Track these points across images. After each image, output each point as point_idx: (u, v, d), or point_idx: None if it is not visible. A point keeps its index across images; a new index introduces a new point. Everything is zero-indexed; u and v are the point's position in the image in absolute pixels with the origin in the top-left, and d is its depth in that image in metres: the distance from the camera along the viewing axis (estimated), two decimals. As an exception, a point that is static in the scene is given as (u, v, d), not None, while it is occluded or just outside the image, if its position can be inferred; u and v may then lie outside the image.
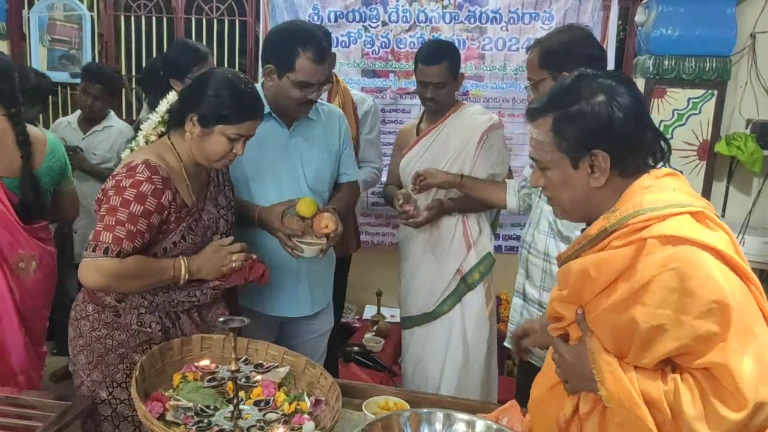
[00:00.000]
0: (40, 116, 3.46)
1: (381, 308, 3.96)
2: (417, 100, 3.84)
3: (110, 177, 1.76)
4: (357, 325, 3.97)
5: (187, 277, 1.78)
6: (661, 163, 1.33)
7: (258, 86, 2.21)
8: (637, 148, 1.28)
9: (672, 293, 1.14)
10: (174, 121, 1.83)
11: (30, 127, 2.39)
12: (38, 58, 4.06)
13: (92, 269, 1.68)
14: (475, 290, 2.60)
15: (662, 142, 1.31)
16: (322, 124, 2.29)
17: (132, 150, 1.86)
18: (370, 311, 4.04)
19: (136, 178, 1.69)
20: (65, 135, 3.33)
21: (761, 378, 1.12)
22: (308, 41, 2.06)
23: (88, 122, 3.46)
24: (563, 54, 1.96)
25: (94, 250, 1.67)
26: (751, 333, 1.15)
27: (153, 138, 1.86)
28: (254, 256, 1.90)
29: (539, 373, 1.49)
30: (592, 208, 1.31)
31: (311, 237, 2.06)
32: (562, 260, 1.35)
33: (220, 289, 1.90)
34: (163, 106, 1.86)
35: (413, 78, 3.85)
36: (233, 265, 1.83)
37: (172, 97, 1.87)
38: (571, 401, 1.32)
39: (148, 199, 1.69)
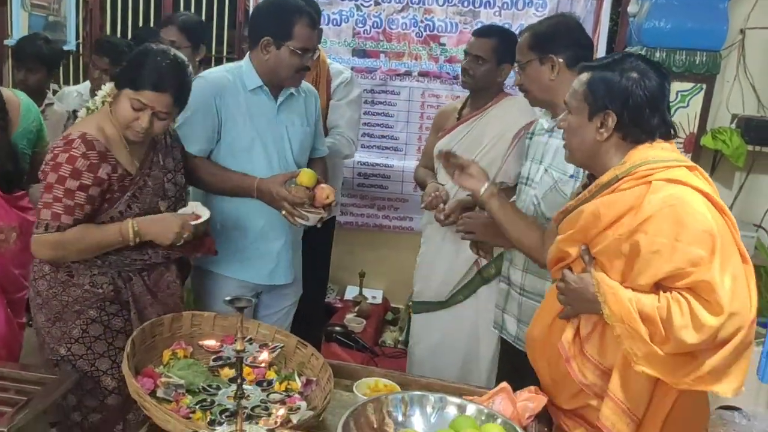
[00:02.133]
0: (50, 84, 3.33)
1: (363, 289, 3.96)
2: (407, 82, 3.85)
3: (50, 149, 1.82)
4: (339, 305, 3.97)
5: (137, 239, 1.84)
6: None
7: (245, 61, 2.20)
8: (641, 124, 1.53)
9: (670, 224, 1.40)
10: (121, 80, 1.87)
11: (2, 90, 2.33)
12: (20, 25, 3.95)
13: (39, 244, 1.81)
14: (490, 284, 2.55)
15: (669, 129, 1.57)
16: (302, 99, 2.36)
17: (88, 110, 1.91)
18: (352, 292, 4.04)
19: (71, 153, 1.76)
20: (77, 107, 3.23)
21: (734, 294, 1.39)
22: (302, 9, 2.15)
23: None
24: (552, 38, 2.01)
25: (37, 227, 1.79)
26: (729, 258, 1.42)
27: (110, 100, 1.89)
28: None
29: (534, 317, 1.74)
30: (591, 158, 1.59)
31: (308, 207, 2.16)
32: (569, 210, 1.60)
33: (171, 252, 1.96)
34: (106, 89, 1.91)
35: (404, 59, 3.87)
36: (183, 238, 1.87)
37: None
38: (571, 326, 1.57)
39: (84, 174, 1.76)
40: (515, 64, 2.12)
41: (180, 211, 1.95)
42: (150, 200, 1.91)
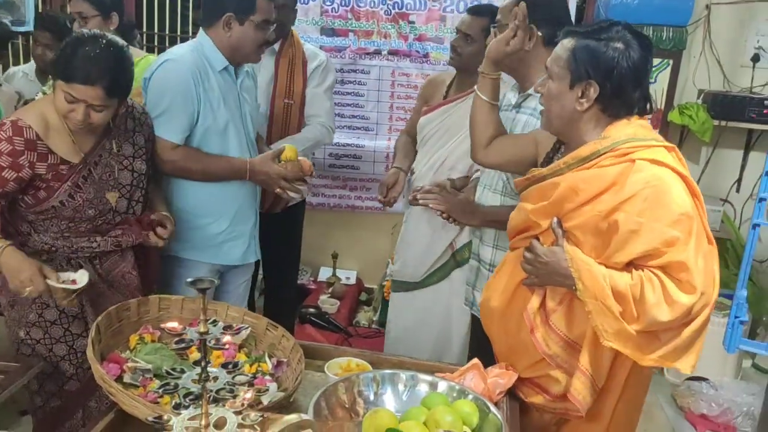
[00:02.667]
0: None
1: (336, 270, 3.96)
2: (377, 61, 3.82)
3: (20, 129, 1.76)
4: (312, 287, 3.96)
5: None
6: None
7: (204, 39, 2.15)
8: (622, 97, 1.51)
9: (650, 205, 1.41)
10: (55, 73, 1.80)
11: None
12: (-28, 3, 3.82)
13: None
14: (463, 268, 2.54)
15: (647, 104, 1.56)
16: (251, 77, 2.37)
17: (44, 94, 1.86)
18: (325, 273, 4.03)
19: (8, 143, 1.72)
20: (22, 87, 3.13)
21: (705, 273, 1.45)
22: None
23: (46, 74, 3.15)
24: (537, 8, 1.95)
25: None
26: (701, 239, 1.46)
27: None
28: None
29: (490, 286, 1.74)
30: (568, 127, 1.57)
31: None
32: (536, 178, 1.60)
33: (122, 240, 1.94)
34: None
35: (373, 38, 3.83)
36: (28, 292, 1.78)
37: None
38: (537, 296, 1.59)
39: (2, 157, 1.72)
40: (493, 25, 2.07)
41: (62, 275, 1.81)
42: (96, 191, 1.86)
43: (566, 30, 1.59)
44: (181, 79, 2.07)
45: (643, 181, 1.42)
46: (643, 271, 1.44)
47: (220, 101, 2.15)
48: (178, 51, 2.17)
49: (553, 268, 1.52)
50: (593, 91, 1.50)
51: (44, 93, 1.87)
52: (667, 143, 1.54)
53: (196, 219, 2.20)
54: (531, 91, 2.04)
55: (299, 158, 2.25)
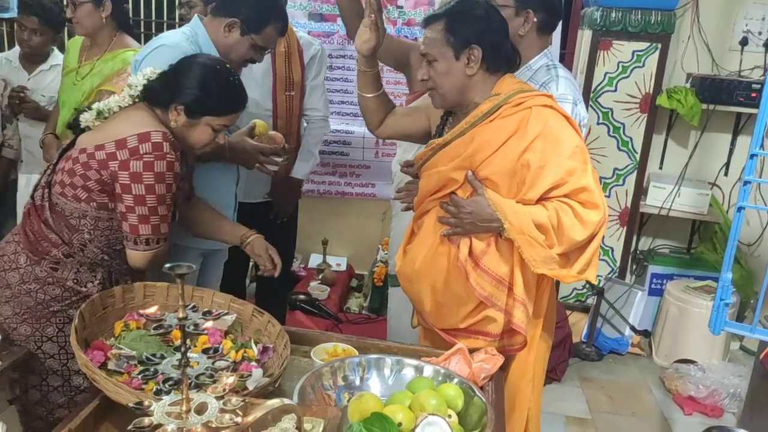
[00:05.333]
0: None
1: (327, 257, 3.96)
2: (365, 46, 3.79)
3: (121, 145, 1.63)
4: (302, 273, 3.96)
5: None
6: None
7: (198, 27, 2.14)
8: (501, 52, 1.72)
9: (551, 143, 1.63)
10: (154, 101, 1.76)
11: None
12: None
13: (142, 259, 1.72)
14: None
15: (517, 57, 1.78)
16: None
17: (99, 114, 1.75)
18: (315, 260, 4.03)
19: (167, 159, 1.66)
20: (7, 74, 3.09)
21: (599, 192, 1.67)
22: (281, 14, 2.20)
23: (31, 60, 3.17)
24: None
25: (136, 243, 1.70)
26: (590, 166, 1.68)
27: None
28: None
29: (409, 252, 1.86)
30: (462, 95, 1.73)
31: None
32: (446, 142, 1.74)
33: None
34: (139, 79, 1.78)
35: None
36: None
37: (149, 72, 1.80)
38: (465, 244, 1.72)
39: (167, 175, 1.67)
40: None
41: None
42: (181, 198, 1.88)
43: (426, 18, 1.76)
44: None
45: (542, 124, 1.64)
46: (553, 201, 1.64)
47: None
48: (173, 38, 2.14)
49: (478, 215, 1.68)
50: (477, 53, 1.68)
51: (99, 113, 1.77)
52: (546, 93, 1.79)
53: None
54: (516, 74, 2.04)
55: (270, 132, 2.31)
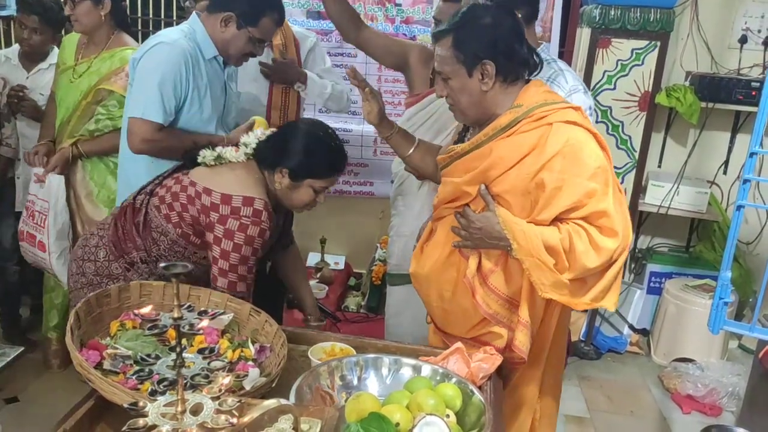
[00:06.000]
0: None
1: (325, 255, 3.94)
2: (363, 44, 3.78)
3: (226, 201, 1.74)
4: (301, 272, 3.94)
5: None
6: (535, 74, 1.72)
7: (196, 24, 2.13)
8: (515, 59, 1.63)
9: (570, 162, 1.54)
10: (262, 162, 1.86)
11: None
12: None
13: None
14: None
15: (534, 56, 1.67)
16: (234, 69, 2.38)
17: (218, 158, 1.86)
18: (313, 258, 4.02)
19: (261, 226, 1.75)
20: (6, 72, 3.06)
21: (622, 219, 1.58)
22: (276, 4, 2.17)
23: (30, 59, 3.15)
24: None
25: (215, 289, 1.75)
26: (615, 189, 1.60)
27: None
28: None
29: (420, 255, 1.83)
30: (484, 109, 1.66)
31: None
32: (464, 151, 1.69)
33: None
34: (252, 139, 1.88)
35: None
36: None
37: (260, 132, 1.92)
38: (473, 260, 1.68)
39: (256, 240, 1.76)
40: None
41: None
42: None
43: (434, 33, 1.70)
44: (174, 63, 2.07)
45: (562, 142, 1.55)
46: (568, 224, 1.57)
47: (208, 90, 2.16)
48: (172, 35, 2.14)
49: (487, 231, 1.62)
50: (491, 69, 1.60)
51: (218, 157, 1.87)
52: (572, 104, 1.69)
53: None
54: None
55: (270, 129, 2.26)
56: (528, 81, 1.69)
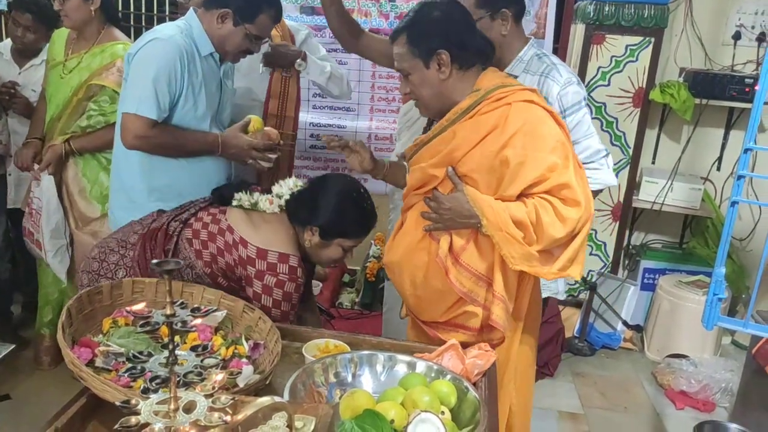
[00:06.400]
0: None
1: (319, 252, 3.92)
2: (357, 40, 3.76)
3: (262, 256, 1.77)
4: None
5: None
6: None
7: (193, 20, 2.12)
8: (469, 47, 1.69)
9: (531, 138, 1.61)
10: (293, 217, 1.89)
11: None
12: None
13: None
14: None
15: (490, 45, 1.75)
16: (230, 66, 2.36)
17: (254, 205, 1.89)
18: (307, 255, 4.00)
19: (297, 282, 1.79)
20: None
21: (583, 190, 1.64)
22: (274, 1, 2.16)
23: (23, 55, 3.12)
24: None
25: None
26: (575, 162, 1.67)
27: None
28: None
29: (393, 243, 1.86)
30: (445, 98, 1.71)
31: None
32: (430, 138, 1.74)
33: None
34: (285, 190, 1.91)
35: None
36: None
37: (292, 183, 1.93)
38: (445, 240, 1.72)
39: (294, 296, 1.81)
40: None
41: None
42: None
43: (390, 36, 1.75)
44: (169, 58, 2.05)
45: (522, 119, 1.62)
46: (534, 198, 1.63)
47: (202, 87, 2.15)
48: (167, 31, 2.12)
49: (457, 211, 1.67)
50: (446, 57, 1.66)
51: (254, 204, 1.91)
52: (529, 87, 1.76)
53: (172, 198, 2.16)
54: (507, 70, 2.08)
55: (265, 128, 2.29)
56: (485, 68, 1.74)
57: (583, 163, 2.05)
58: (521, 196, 1.64)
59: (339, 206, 1.85)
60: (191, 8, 2.20)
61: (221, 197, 1.94)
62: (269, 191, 1.94)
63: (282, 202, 1.89)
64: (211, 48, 2.15)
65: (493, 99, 1.66)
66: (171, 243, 1.84)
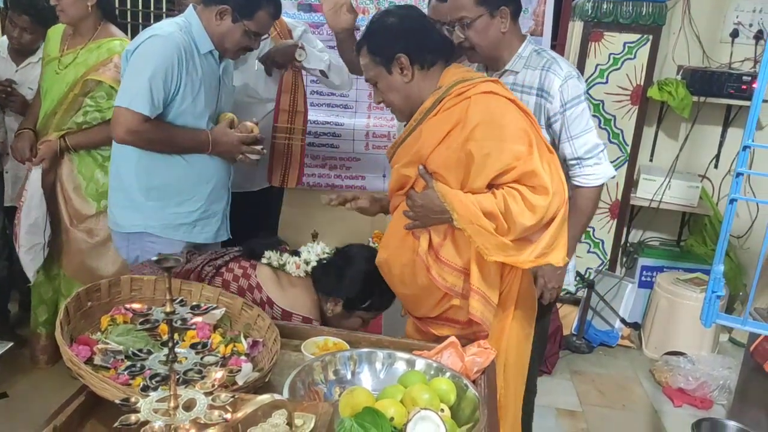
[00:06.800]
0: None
1: (317, 250, 3.92)
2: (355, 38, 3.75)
3: (286, 318, 1.84)
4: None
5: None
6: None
7: (192, 17, 2.11)
8: (428, 45, 1.73)
9: (493, 129, 1.62)
10: (318, 286, 1.95)
11: None
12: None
13: None
14: None
15: (451, 44, 1.82)
16: (229, 63, 2.36)
17: (281, 265, 1.96)
18: (305, 253, 4.00)
19: None
20: None
21: (551, 177, 1.62)
22: None
23: (20, 53, 3.09)
24: None
25: None
26: (541, 149, 1.65)
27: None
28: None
29: (382, 244, 1.90)
30: (413, 100, 1.75)
31: None
32: (401, 139, 1.78)
33: None
34: (312, 256, 1.96)
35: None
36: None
37: (320, 249, 1.98)
38: (424, 238, 1.75)
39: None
40: (457, 22, 2.05)
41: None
42: None
43: (355, 49, 1.81)
44: (167, 56, 2.05)
45: (482, 111, 1.63)
46: (503, 188, 1.63)
47: (202, 84, 2.14)
48: (167, 28, 2.11)
49: (429, 207, 1.70)
50: (405, 60, 1.70)
51: (281, 265, 1.98)
52: (490, 78, 1.78)
53: (171, 197, 2.17)
54: (508, 66, 2.10)
55: (245, 122, 2.30)
56: (448, 65, 1.77)
57: (583, 159, 2.07)
58: (491, 186, 1.65)
59: (363, 282, 1.92)
60: (190, 5, 2.19)
61: (251, 251, 2.00)
62: (296, 253, 1.99)
63: (309, 268, 1.95)
64: (211, 45, 2.15)
65: (454, 94, 1.68)
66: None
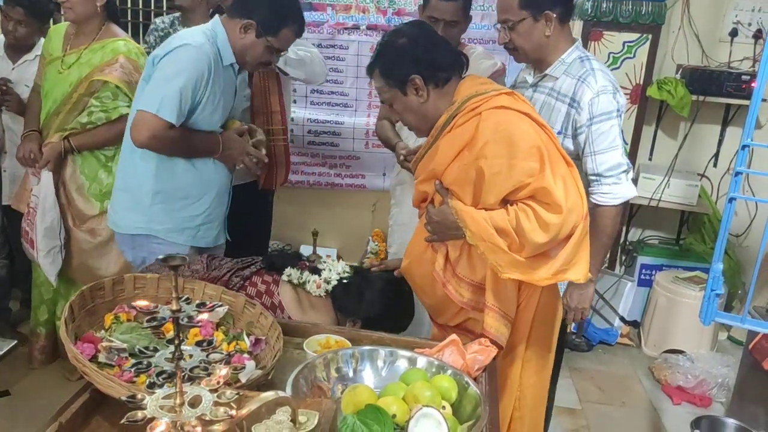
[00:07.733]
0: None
1: (317, 248, 3.94)
2: (355, 36, 3.76)
3: None
4: (292, 265, 3.94)
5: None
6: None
7: (219, 28, 2.11)
8: (439, 65, 1.71)
9: (504, 146, 1.59)
10: (339, 307, 1.95)
11: None
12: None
13: None
14: None
15: (462, 58, 1.78)
16: (245, 75, 2.40)
17: (302, 283, 1.95)
18: (305, 251, 4.02)
19: None
20: None
21: (567, 193, 1.60)
22: (297, 15, 2.16)
23: (16, 50, 3.08)
24: None
25: None
26: (556, 165, 1.62)
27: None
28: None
29: (405, 253, 1.94)
30: (430, 118, 1.74)
31: None
32: (421, 156, 1.79)
33: None
34: (333, 275, 1.96)
35: (351, 12, 3.77)
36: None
37: (340, 268, 1.98)
38: (441, 253, 1.77)
39: None
40: (502, 24, 2.05)
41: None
42: None
43: (366, 69, 1.80)
44: (199, 67, 2.05)
45: (492, 128, 1.61)
46: (516, 204, 1.62)
47: (222, 96, 2.15)
48: (198, 39, 2.09)
49: (444, 223, 1.72)
50: (419, 81, 1.70)
51: (290, 281, 1.98)
52: (506, 89, 1.75)
53: (176, 200, 2.18)
54: (548, 71, 2.09)
55: (243, 126, 2.31)
56: (463, 78, 1.76)
57: (602, 176, 2.02)
58: (506, 202, 1.64)
59: (382, 303, 1.94)
60: (216, 16, 2.19)
61: (272, 264, 2.00)
62: (316, 270, 1.98)
63: (329, 287, 1.95)
64: (233, 58, 2.13)
65: (467, 110, 1.67)
66: None
